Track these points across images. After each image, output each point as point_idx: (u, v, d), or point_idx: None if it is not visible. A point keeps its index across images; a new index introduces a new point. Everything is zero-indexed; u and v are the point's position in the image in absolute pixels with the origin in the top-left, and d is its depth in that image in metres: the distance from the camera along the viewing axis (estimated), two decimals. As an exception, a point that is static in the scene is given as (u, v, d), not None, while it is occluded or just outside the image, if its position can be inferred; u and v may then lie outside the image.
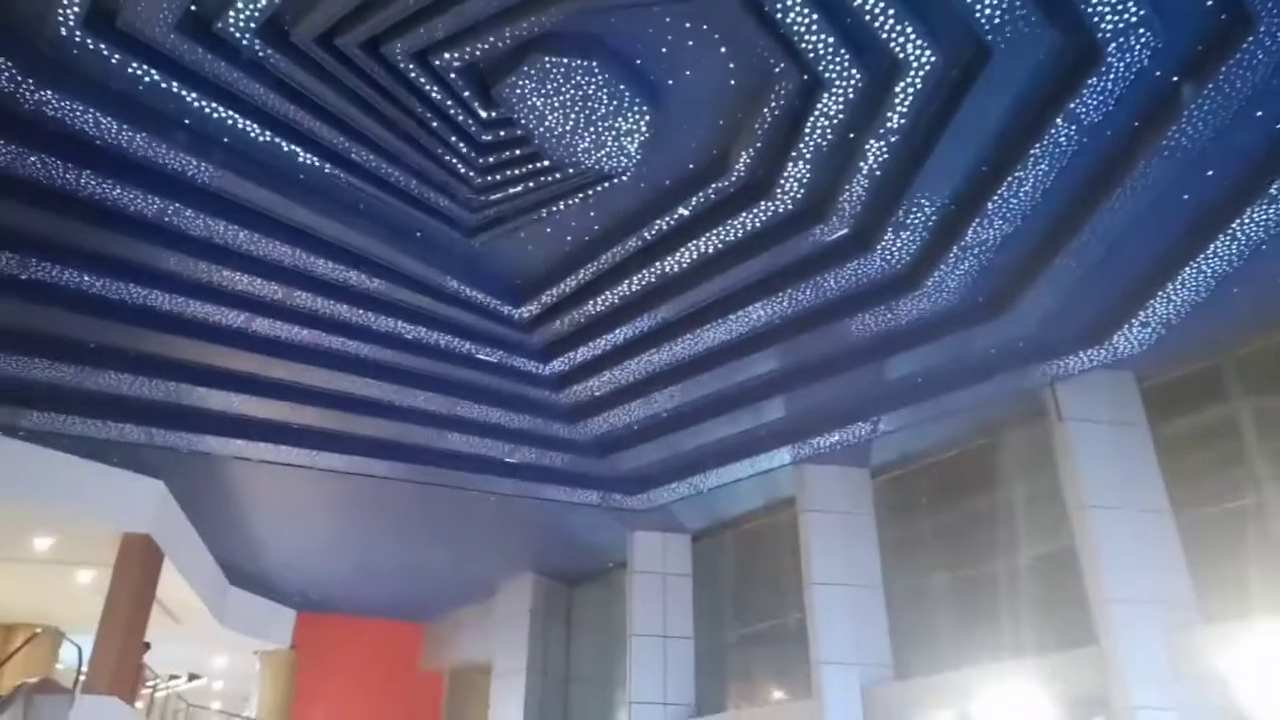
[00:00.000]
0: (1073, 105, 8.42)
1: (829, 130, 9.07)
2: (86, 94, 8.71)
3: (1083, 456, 12.15)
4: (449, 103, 8.97)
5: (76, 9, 7.86)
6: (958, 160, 9.25)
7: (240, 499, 16.29)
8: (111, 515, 14.52)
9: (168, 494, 15.36)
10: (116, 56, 8.32)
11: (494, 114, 9.18)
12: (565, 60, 8.45)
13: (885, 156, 9.30)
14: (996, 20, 7.81)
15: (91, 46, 8.21)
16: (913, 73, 8.43)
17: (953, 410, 13.11)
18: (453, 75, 8.67)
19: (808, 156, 9.38)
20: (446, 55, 8.42)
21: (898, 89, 8.60)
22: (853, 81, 8.55)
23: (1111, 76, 8.15)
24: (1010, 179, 9.30)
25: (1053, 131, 8.71)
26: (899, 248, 10.36)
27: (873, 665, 14.03)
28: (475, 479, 15.23)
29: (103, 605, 14.48)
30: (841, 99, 8.71)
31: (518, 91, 8.76)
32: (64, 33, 8.09)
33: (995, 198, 9.52)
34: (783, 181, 9.68)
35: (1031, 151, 8.94)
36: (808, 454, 14.61)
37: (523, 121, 9.15)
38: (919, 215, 9.92)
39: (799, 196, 9.91)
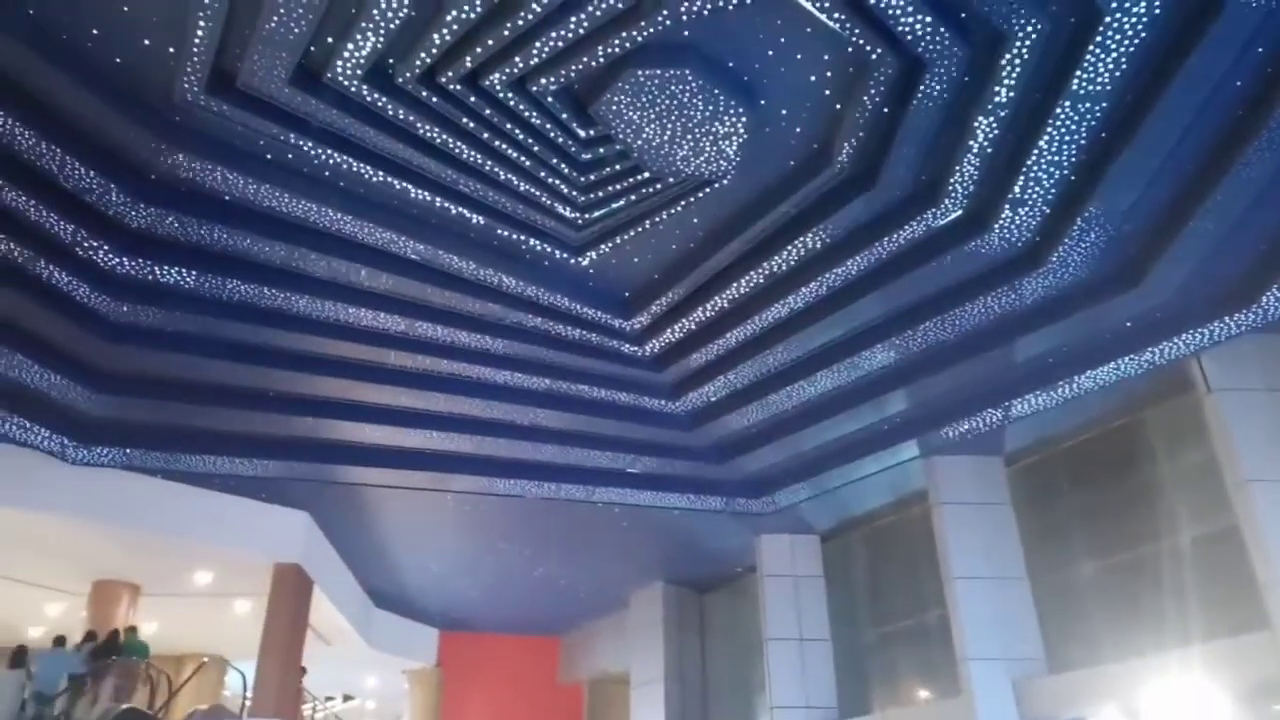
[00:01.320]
0: (1196, 57, 7.92)
1: (934, 112, 8.81)
2: (213, 153, 9.28)
3: (1238, 429, 11.38)
4: (548, 126, 9.14)
5: (199, 75, 8.37)
6: (1074, 129, 8.82)
7: (379, 525, 16.95)
8: (263, 547, 15.34)
9: (313, 524, 16.13)
10: (238, 115, 8.82)
11: (592, 132, 9.30)
12: (658, 71, 8.48)
13: (996, 132, 8.96)
14: (1104, -22, 7.43)
15: (215, 108, 8.73)
16: (1018, 43, 8.11)
17: (1089, 390, 12.48)
18: (550, 99, 8.83)
19: (913, 141, 9.13)
20: (543, 80, 8.58)
21: (1003, 62, 8.28)
22: (955, 59, 8.28)
23: (1237, 21, 7.64)
24: (1133, 142, 8.82)
25: (1175, 88, 8.22)
26: (1018, 225, 9.95)
27: (1023, 660, 13.47)
28: (600, 492, 15.42)
29: (261, 633, 15.31)
30: (945, 78, 8.45)
31: (613, 108, 8.85)
32: (189, 98, 8.63)
33: (1118, 163, 9.04)
34: (889, 169, 9.45)
35: (1154, 111, 8.46)
36: (937, 445, 14.18)
37: (620, 136, 9.24)
38: (1037, 189, 9.51)
39: (907, 182, 9.65)
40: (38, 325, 10.80)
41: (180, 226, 10.03)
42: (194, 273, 10.53)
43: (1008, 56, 8.22)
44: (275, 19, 7.77)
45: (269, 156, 9.44)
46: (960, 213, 9.97)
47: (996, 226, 9.97)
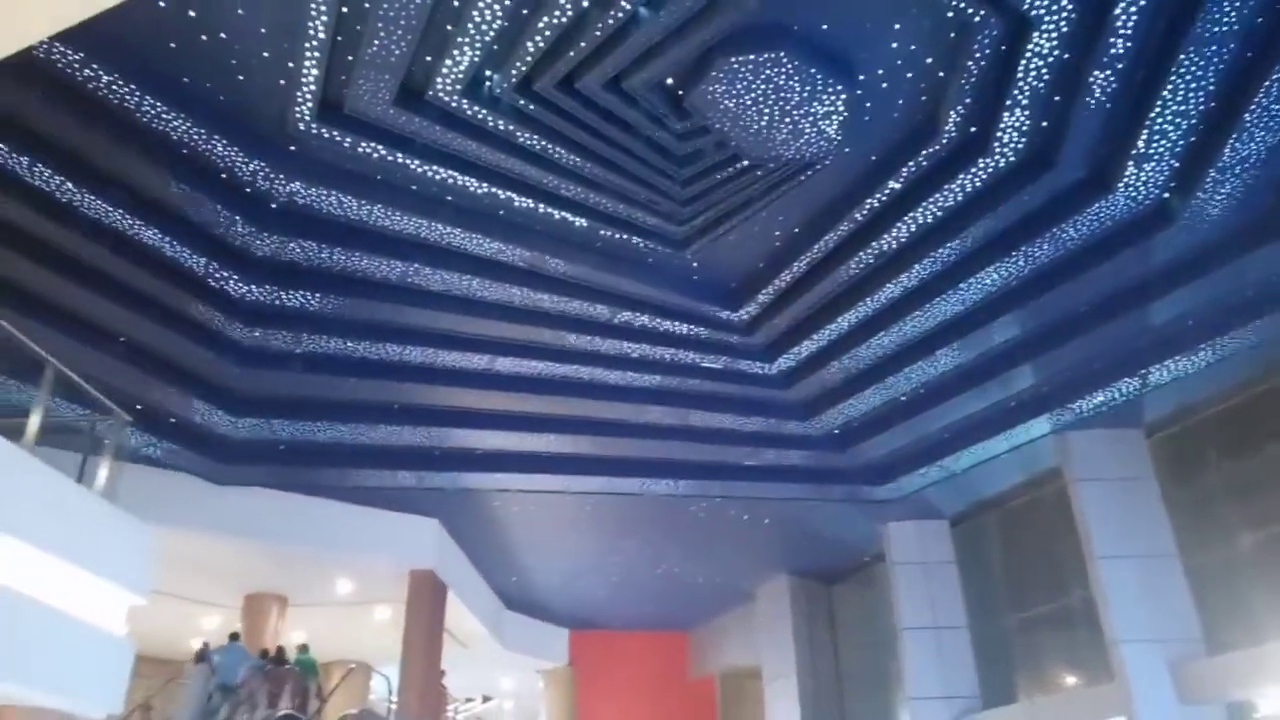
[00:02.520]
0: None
1: (1044, 70, 8.41)
2: (327, 178, 9.67)
3: None
4: (644, 122, 9.14)
5: (310, 104, 8.74)
6: (1200, 74, 8.27)
7: (505, 529, 17.34)
8: (398, 555, 15.90)
9: (443, 531, 16.63)
10: (348, 139, 9.17)
11: (688, 124, 9.26)
12: (751, 56, 8.37)
13: (1114, 86, 8.49)
14: (1227, -91, 6.94)
15: (326, 135, 9.10)
16: (1132, -11, 7.66)
17: (1234, 352, 11.67)
18: (644, 95, 8.84)
19: (1024, 102, 8.74)
20: (636, 77, 8.59)
21: (1117, 10, 7.83)
22: (1064, 14, 7.88)
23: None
24: (1268, 82, 8.20)
25: (1317, 16, 7.60)
26: (1144, 182, 9.40)
27: (1179, 641, 12.69)
28: (718, 486, 15.36)
29: (401, 638, 15.87)
30: (1054, 34, 8.06)
31: (708, 98, 8.78)
32: (302, 127, 9.02)
33: (1253, 106, 8.43)
34: (1000, 134, 9.07)
35: (1293, 44, 7.84)
36: (1069, 420, 13.53)
37: (717, 126, 9.16)
38: (1163, 143, 8.96)
39: (1020, 146, 9.24)
40: (178, 355, 11.48)
41: (301, 252, 10.49)
42: (317, 295, 10.99)
43: (1122, 5, 7.78)
44: (376, 43, 8.03)
45: (379, 177, 9.77)
46: (1081, 174, 9.49)
47: (1121, 185, 9.46)
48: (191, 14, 7.89)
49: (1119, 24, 7.93)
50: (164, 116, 8.79)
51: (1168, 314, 11.23)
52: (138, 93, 8.55)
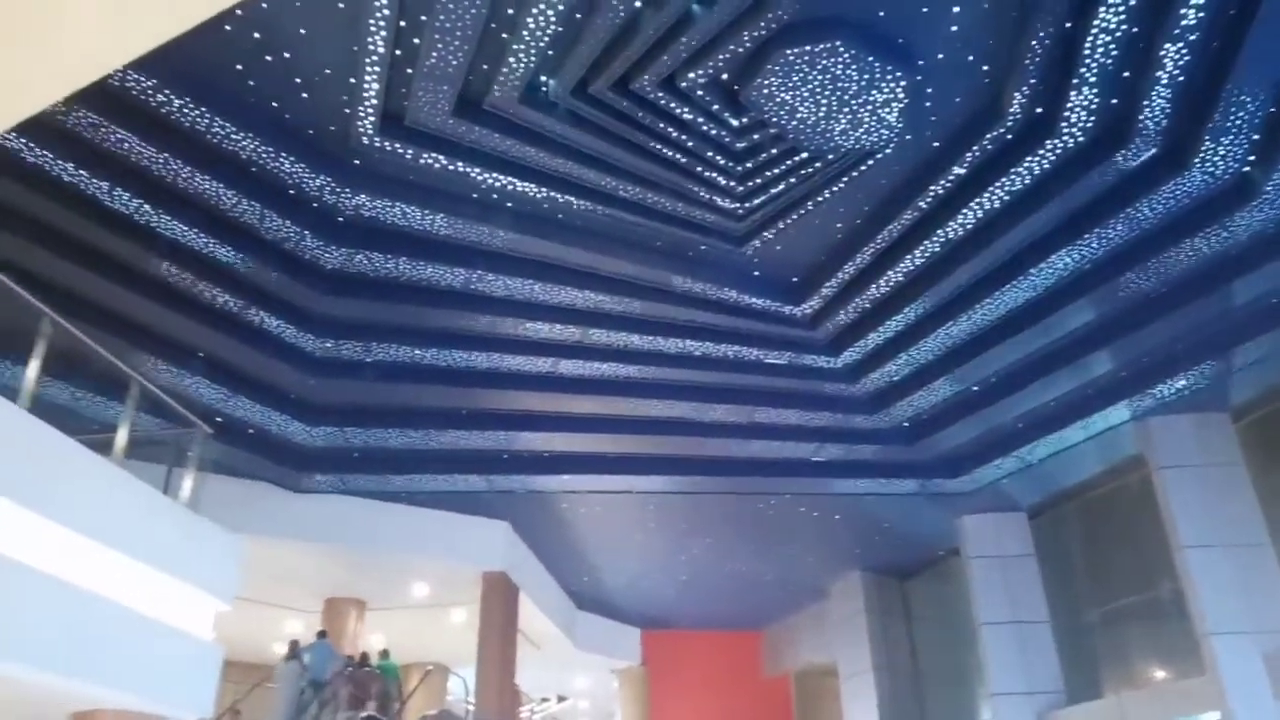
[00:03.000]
0: None
1: (1112, 45, 8.14)
2: (391, 190, 9.86)
3: None
4: (700, 119, 9.11)
5: (372, 118, 8.92)
6: (1278, 41, 7.91)
7: (574, 529, 17.46)
8: (471, 557, 16.13)
9: (513, 533, 16.81)
10: (409, 151, 9.33)
11: (745, 120, 9.19)
12: (806, 48, 8.28)
13: (1186, 58, 8.18)
14: None
15: (388, 147, 9.28)
16: (1205, -45, 7.37)
17: (1327, 328, 11.16)
18: (700, 93, 8.81)
19: (1092, 80, 8.48)
20: (691, 75, 8.56)
21: (1189, -22, 7.54)
22: (1132, -16, 7.62)
23: None
24: (1356, 44, 7.82)
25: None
26: (1222, 156, 9.04)
27: (1274, 632, 12.17)
28: (786, 483, 15.23)
29: (476, 639, 16.09)
30: (1121, 7, 7.80)
31: (765, 91, 8.71)
32: (365, 141, 9.21)
33: (1342, 69, 8.04)
34: (1068, 113, 8.81)
35: (1381, 5, 7.46)
36: (1150, 405, 13.07)
37: (775, 120, 9.08)
38: (1240, 115, 8.61)
39: (1090, 125, 8.96)
40: (253, 367, 11.83)
41: (369, 262, 10.71)
42: (385, 304, 11.22)
43: (1194, -29, 7.49)
44: (434, 55, 8.15)
45: (440, 186, 9.92)
46: (1155, 150, 9.17)
47: (1197, 161, 9.12)
48: (256, 35, 8.12)
49: (1191, -8, 7.64)
50: (233, 137, 9.06)
51: (1251, 293, 10.78)
52: (208, 114, 8.83)
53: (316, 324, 11.37)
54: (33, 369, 7.63)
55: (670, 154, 9.55)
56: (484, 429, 13.50)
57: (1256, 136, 8.86)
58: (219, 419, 11.98)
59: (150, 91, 8.53)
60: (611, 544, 18.65)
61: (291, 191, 9.80)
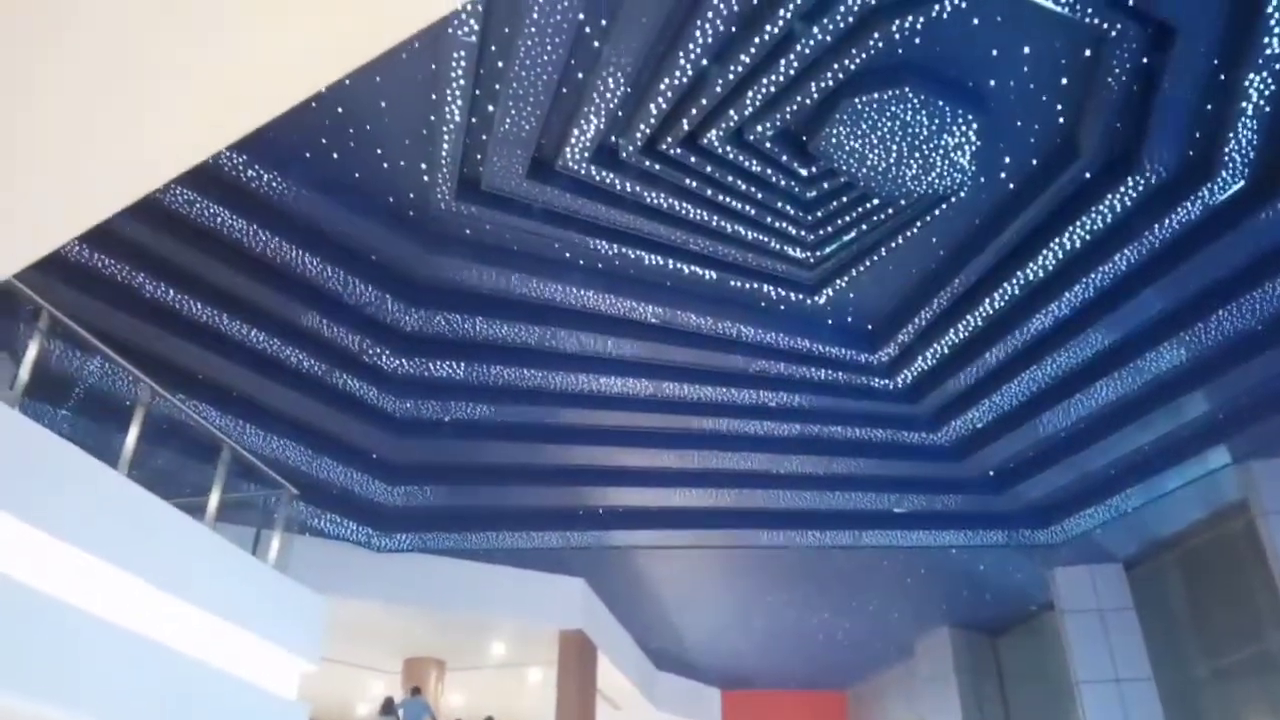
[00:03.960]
0: None
1: (1192, 79, 7.96)
2: (467, 253, 10.11)
3: None
4: (769, 171, 9.16)
5: (449, 184, 9.19)
6: (1375, 63, 7.65)
7: (651, 586, 17.26)
8: (548, 616, 16.03)
9: (589, 590, 16.70)
10: (485, 213, 9.57)
11: (814, 169, 9.22)
12: (875, 95, 8.30)
13: (1273, 88, 7.95)
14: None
15: (465, 211, 9.53)
16: (1286, -16, 7.20)
17: None
18: (768, 144, 8.88)
19: (1173, 115, 8.28)
20: (759, 128, 8.64)
21: (1270, 7, 7.36)
22: (1210, 17, 7.47)
23: None
24: None
25: None
26: (1317, 186, 8.71)
27: None
28: (867, 536, 14.84)
29: (555, 699, 15.91)
30: (1200, 40, 7.64)
31: (833, 140, 8.73)
32: (443, 206, 9.48)
33: None
34: (1149, 149, 8.61)
35: None
36: (1252, 447, 12.42)
37: (844, 168, 9.08)
38: (1335, 142, 8.30)
39: (1172, 161, 8.74)
40: (337, 428, 12.10)
41: (446, 323, 10.95)
42: (462, 364, 11.42)
43: (1274, 3, 7.31)
44: (508, 121, 8.40)
45: (515, 247, 10.14)
46: (1242, 184, 8.88)
47: (1290, 192, 8.78)
48: (339, 110, 8.47)
49: (1273, 21, 7.46)
50: (319, 208, 9.42)
51: (1358, 326, 10.26)
52: (294, 187, 9.21)
53: (397, 385, 11.62)
54: (132, 436, 7.93)
55: (740, 206, 9.61)
56: (559, 485, 13.53)
57: (1353, 164, 8.52)
58: (304, 481, 12.25)
59: (240, 168, 8.95)
60: (689, 601, 18.36)
61: (372, 257, 10.12)
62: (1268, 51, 7.68)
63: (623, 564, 16.04)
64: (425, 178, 9.22)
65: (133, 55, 3.00)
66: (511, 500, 13.76)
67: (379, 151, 8.95)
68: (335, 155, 9.04)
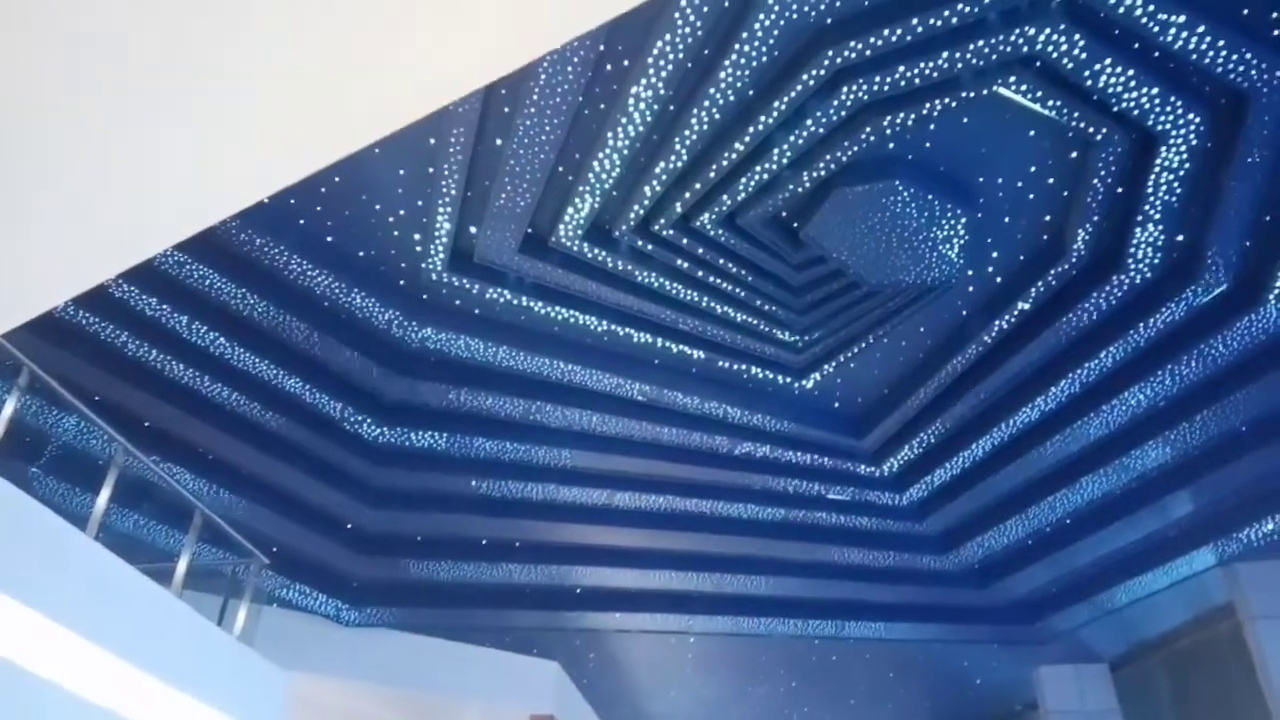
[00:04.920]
0: None
1: (1176, 183, 8.14)
2: (456, 323, 10.09)
3: None
4: (760, 255, 9.25)
5: (442, 255, 9.23)
6: (1352, 176, 7.84)
7: (628, 672, 16.81)
8: (519, 699, 15.52)
9: (563, 674, 16.23)
10: (476, 286, 9.58)
11: (804, 255, 9.31)
12: (866, 186, 8.44)
13: (1255, 194, 8.12)
14: (1362, 10, 6.72)
15: (456, 283, 9.55)
16: (1263, 98, 7.42)
17: None
18: (760, 230, 8.98)
19: (1157, 217, 8.45)
20: (752, 213, 8.75)
21: (1249, 119, 7.58)
22: (1192, 126, 7.68)
23: None
24: None
25: None
26: (1298, 291, 8.83)
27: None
28: (849, 627, 14.55)
29: (524, 787, 15.31)
30: (1184, 147, 7.84)
31: (824, 228, 8.85)
32: (434, 277, 9.50)
33: None
34: (1134, 249, 8.75)
35: None
36: (1238, 550, 12.33)
37: (834, 255, 9.18)
38: (1316, 249, 8.45)
39: (1157, 261, 8.87)
40: (313, 496, 11.86)
41: (431, 394, 10.85)
42: (444, 435, 11.28)
43: (1253, 114, 7.53)
44: (504, 196, 8.47)
45: (504, 320, 10.13)
46: (1226, 285, 9.00)
47: (1272, 297, 8.90)
48: (336, 179, 8.53)
49: (1252, 132, 7.66)
50: (310, 273, 9.42)
51: (1341, 431, 10.30)
52: (286, 252, 9.22)
53: (377, 454, 11.45)
54: (103, 497, 7.74)
55: (730, 288, 9.67)
56: (537, 562, 13.25)
57: (1333, 272, 8.65)
58: (275, 549, 11.96)
59: (234, 231, 8.96)
60: (666, 688, 17.87)
61: (361, 325, 10.07)
62: (1249, 160, 7.86)
63: (599, 647, 15.64)
64: (418, 248, 9.26)
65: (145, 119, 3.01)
66: (487, 577, 13.45)
67: (373, 220, 9.00)
68: (330, 222, 9.07)
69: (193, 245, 8.90)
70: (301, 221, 9.03)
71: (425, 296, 9.86)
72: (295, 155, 3.29)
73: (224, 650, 8.65)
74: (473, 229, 9.04)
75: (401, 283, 9.71)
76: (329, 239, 9.26)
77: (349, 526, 12.49)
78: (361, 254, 9.42)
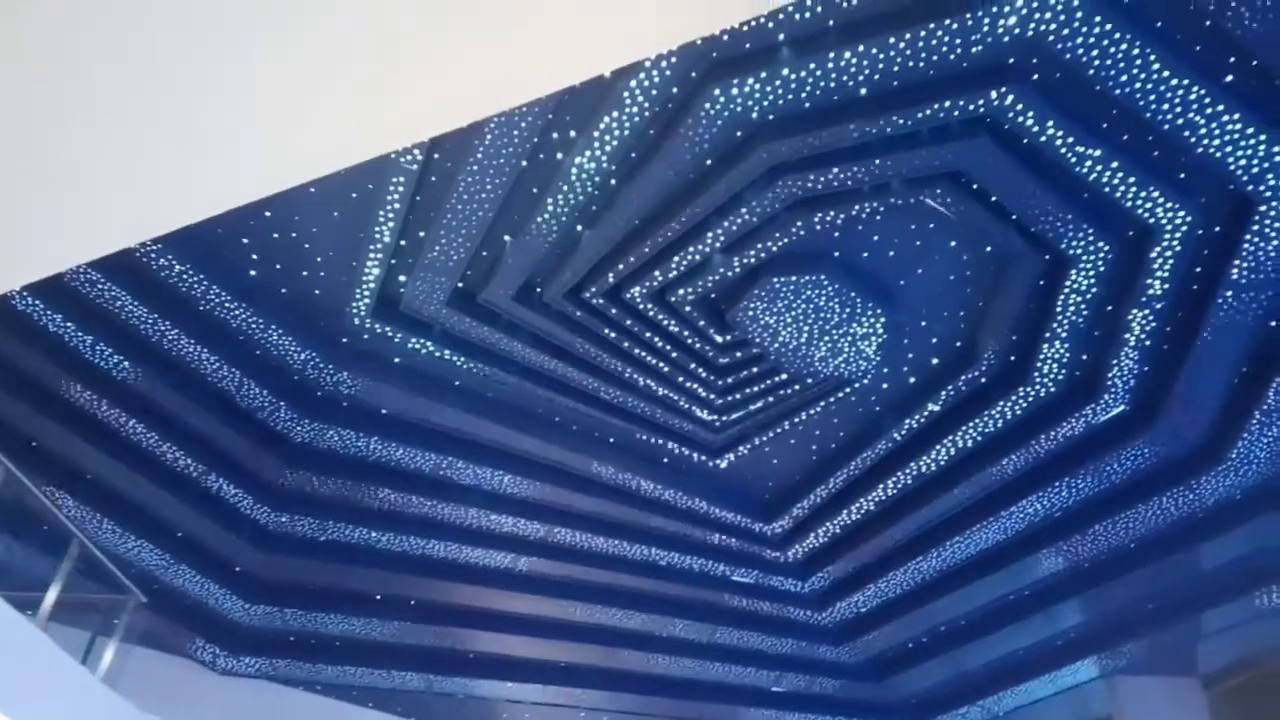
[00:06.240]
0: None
1: (1083, 306, 8.58)
2: (374, 370, 9.90)
3: None
4: (686, 333, 9.37)
5: (367, 301, 9.09)
6: (1240, 318, 8.37)
7: (513, 743, 16.29)
8: (398, 765, 14.87)
9: (446, 742, 15.65)
10: (399, 335, 9.45)
11: (729, 337, 9.46)
12: (793, 278, 8.66)
13: (1153, 324, 8.61)
14: (1255, 170, 7.27)
15: (379, 330, 9.40)
16: (1167, 235, 7.93)
17: (1294, 602, 11.10)
18: (688, 308, 9.11)
19: (1063, 335, 8.86)
20: (682, 291, 8.89)
21: (1153, 254, 8.08)
22: (1101, 254, 8.14)
23: None
24: (1311, 329, 8.28)
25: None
26: (1189, 420, 9.31)
27: None
28: (742, 713, 14.43)
29: None
30: (1092, 273, 8.29)
31: (750, 313, 9.02)
32: (357, 322, 9.34)
33: (1297, 352, 8.46)
34: (1040, 364, 9.15)
35: (1334, 294, 7.97)
36: (1120, 665, 12.72)
37: (757, 340, 9.36)
38: (1206, 382, 8.95)
39: (1060, 377, 9.28)
40: (203, 535, 11.33)
41: (339, 439, 10.57)
42: (349, 483, 10.96)
43: (1157, 249, 8.03)
44: (437, 248, 8.44)
45: (425, 372, 9.98)
46: (1123, 408, 9.45)
47: (1164, 422, 9.36)
48: (267, 214, 8.39)
49: (1155, 266, 8.15)
50: (227, 305, 9.17)
51: (1220, 557, 10.78)
52: (205, 281, 8.97)
53: (275, 496, 11.04)
54: (-30, 517, 7.27)
55: (654, 362, 9.75)
56: (430, 623, 12.85)
57: (1220, 404, 9.16)
58: (155, 587, 11.35)
59: (154, 255, 8.70)
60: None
61: (274, 363, 9.81)
62: (1150, 291, 8.34)
63: (486, 716, 15.15)
64: (344, 291, 9.11)
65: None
66: (375, 633, 12.97)
67: (300, 259, 8.84)
68: (255, 256, 8.88)
69: (106, 264, 8.61)
70: (225, 253, 8.82)
71: (345, 340, 9.68)
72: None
73: (84, 690, 8.10)
74: (402, 277, 8.96)
75: (322, 324, 9.52)
76: (252, 272, 9.05)
77: (237, 569, 11.96)
78: (284, 291, 9.22)
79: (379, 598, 12.63)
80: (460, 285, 8.99)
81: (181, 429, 10.11)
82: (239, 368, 9.61)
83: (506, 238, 8.47)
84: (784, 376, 9.88)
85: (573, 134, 7.74)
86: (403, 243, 8.53)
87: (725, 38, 7.12)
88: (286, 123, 3.12)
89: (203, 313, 9.24)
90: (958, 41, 7.05)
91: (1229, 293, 8.15)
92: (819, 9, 6.92)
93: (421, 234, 8.42)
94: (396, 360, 9.84)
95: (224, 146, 3.19)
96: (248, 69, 2.87)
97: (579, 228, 8.35)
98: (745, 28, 7.06)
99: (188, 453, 10.26)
